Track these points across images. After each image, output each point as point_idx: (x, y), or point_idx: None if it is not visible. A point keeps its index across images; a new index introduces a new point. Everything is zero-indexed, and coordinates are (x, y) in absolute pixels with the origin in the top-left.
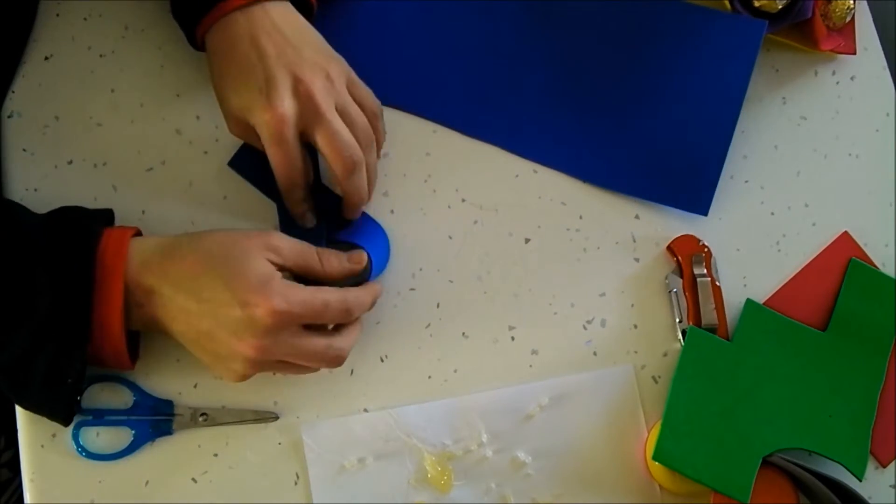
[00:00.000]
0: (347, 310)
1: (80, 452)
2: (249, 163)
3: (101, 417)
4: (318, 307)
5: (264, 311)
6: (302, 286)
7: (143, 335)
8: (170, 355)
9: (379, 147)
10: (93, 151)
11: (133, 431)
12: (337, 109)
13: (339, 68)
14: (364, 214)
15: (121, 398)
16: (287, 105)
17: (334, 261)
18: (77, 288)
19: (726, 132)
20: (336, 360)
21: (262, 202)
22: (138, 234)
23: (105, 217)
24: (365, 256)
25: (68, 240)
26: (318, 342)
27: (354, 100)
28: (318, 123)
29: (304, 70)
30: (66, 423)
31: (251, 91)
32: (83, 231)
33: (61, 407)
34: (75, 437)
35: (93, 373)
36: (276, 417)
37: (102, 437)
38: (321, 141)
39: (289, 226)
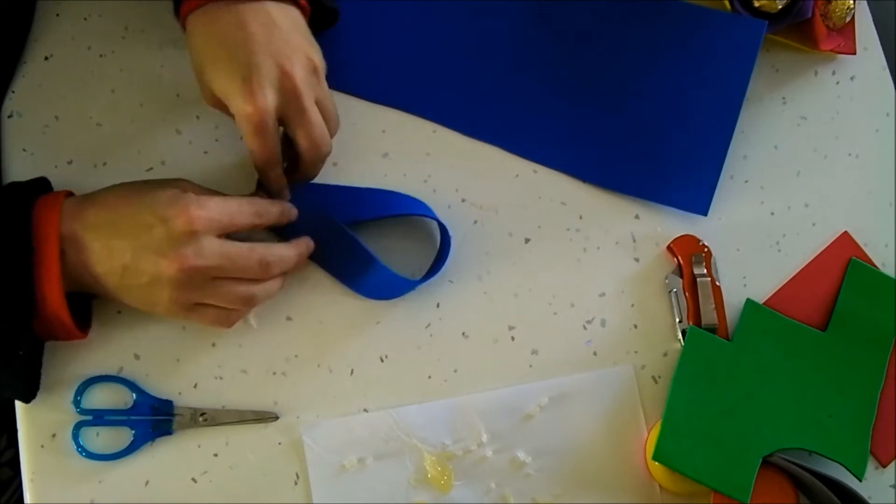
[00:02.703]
0: (257, 212)
1: (80, 452)
2: None
3: (101, 417)
4: (232, 209)
5: (182, 220)
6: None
7: (111, 314)
8: (170, 355)
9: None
10: (93, 151)
11: (133, 431)
12: (316, 101)
13: (320, 56)
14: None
15: (121, 398)
16: (270, 99)
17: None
18: (15, 259)
19: (726, 132)
20: (263, 266)
21: None
22: (71, 195)
23: (40, 186)
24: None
25: (3, 215)
26: (241, 245)
27: None
28: (299, 118)
29: (292, 61)
30: (26, 399)
31: (234, 77)
32: (16, 203)
33: (18, 382)
34: (75, 437)
35: (93, 373)
36: (276, 417)
37: (102, 437)
38: (300, 134)
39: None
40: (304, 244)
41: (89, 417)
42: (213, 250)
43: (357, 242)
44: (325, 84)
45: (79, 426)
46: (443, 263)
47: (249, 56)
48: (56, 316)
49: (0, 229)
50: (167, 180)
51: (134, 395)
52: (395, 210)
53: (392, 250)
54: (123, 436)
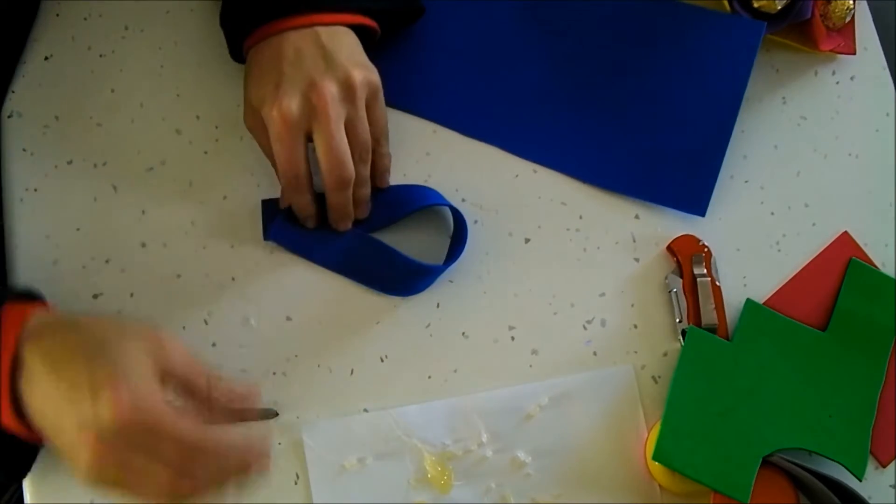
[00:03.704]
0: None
1: None
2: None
3: None
4: (167, 422)
5: (109, 407)
6: (163, 393)
7: None
8: None
9: (384, 171)
10: (93, 151)
11: None
12: (346, 121)
13: (365, 78)
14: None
15: None
16: (294, 105)
17: (223, 386)
18: None
19: (724, 134)
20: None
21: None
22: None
23: (19, 294)
24: (257, 393)
25: None
26: (161, 470)
27: (368, 115)
28: (319, 131)
29: (324, 76)
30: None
31: (267, 85)
32: None
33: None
34: None
35: None
36: (276, 414)
37: None
38: (319, 149)
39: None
40: (261, 447)
41: None
42: (130, 463)
43: (378, 242)
44: (361, 104)
45: None
46: (462, 247)
47: (284, 67)
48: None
49: None
50: (144, 332)
51: None
52: (410, 207)
53: (400, 246)
54: None
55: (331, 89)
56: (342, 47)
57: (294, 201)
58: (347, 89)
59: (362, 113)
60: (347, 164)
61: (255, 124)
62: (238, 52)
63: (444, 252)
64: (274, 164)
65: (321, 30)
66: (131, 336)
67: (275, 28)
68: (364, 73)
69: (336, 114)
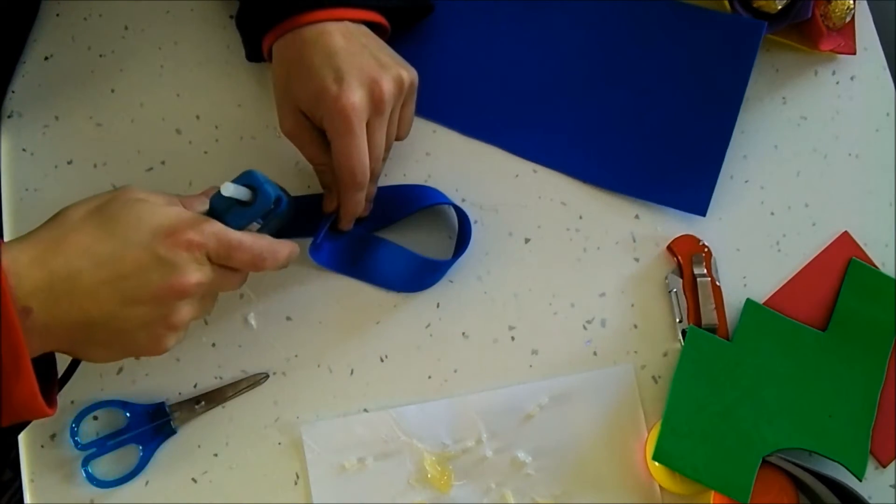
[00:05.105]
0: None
1: (100, 486)
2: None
3: (103, 445)
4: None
5: (184, 240)
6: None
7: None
8: (170, 355)
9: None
10: (93, 151)
11: (140, 447)
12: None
13: (411, 78)
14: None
15: (116, 419)
16: (359, 96)
17: (196, 203)
18: None
19: (725, 133)
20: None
21: None
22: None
23: None
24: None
25: None
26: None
27: (402, 112)
28: (373, 127)
29: (381, 73)
30: None
31: (324, 80)
32: None
33: None
34: (87, 472)
35: (79, 405)
36: (267, 376)
37: (114, 463)
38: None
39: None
40: (291, 247)
41: (93, 450)
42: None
43: (385, 241)
44: (399, 104)
45: (86, 461)
46: (468, 242)
47: (340, 63)
48: (26, 390)
49: None
50: (120, 192)
51: (126, 412)
52: (412, 206)
53: (404, 244)
54: (132, 454)
55: (389, 87)
56: (380, 46)
57: (351, 200)
58: (399, 88)
59: (398, 112)
60: (381, 161)
61: (298, 125)
62: (257, 49)
63: (443, 251)
64: (319, 168)
65: (352, 26)
66: (120, 197)
67: (305, 19)
68: (410, 73)
69: (388, 111)
